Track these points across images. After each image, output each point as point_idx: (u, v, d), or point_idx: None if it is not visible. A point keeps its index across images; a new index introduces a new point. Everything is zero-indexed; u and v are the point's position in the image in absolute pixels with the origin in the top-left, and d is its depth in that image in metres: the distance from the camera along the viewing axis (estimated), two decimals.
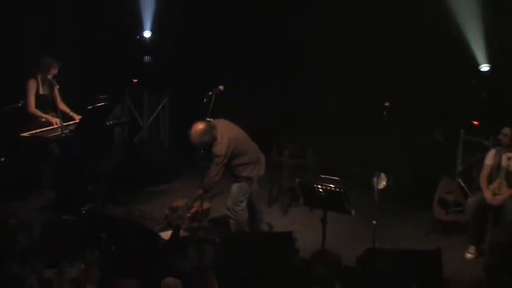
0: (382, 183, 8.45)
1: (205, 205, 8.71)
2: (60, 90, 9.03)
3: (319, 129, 10.65)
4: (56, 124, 8.91)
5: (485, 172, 8.38)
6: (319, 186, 7.38)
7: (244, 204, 8.30)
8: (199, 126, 7.98)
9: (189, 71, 11.10)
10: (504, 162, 8.25)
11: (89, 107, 8.71)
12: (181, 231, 8.33)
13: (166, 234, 8.27)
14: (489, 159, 8.39)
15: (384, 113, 7.98)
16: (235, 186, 8.29)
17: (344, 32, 10.19)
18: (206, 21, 11.07)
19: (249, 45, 10.99)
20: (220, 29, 10.98)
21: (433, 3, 9.17)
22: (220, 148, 8.05)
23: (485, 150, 8.68)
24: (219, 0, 11.07)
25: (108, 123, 9.19)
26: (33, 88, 8.99)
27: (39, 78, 9.04)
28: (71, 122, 9.07)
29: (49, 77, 8.98)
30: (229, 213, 8.28)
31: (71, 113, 9.20)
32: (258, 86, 10.77)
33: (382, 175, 8.44)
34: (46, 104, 9.08)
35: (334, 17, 10.21)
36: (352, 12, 10.12)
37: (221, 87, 8.16)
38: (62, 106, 9.14)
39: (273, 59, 10.81)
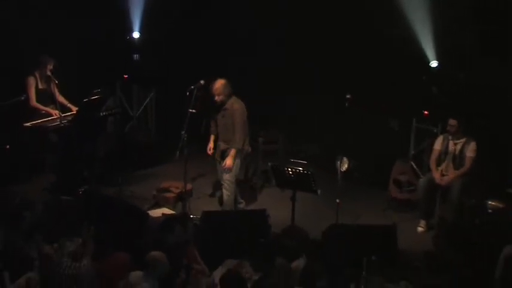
0: (345, 166, 8.48)
1: (188, 186, 8.66)
2: (58, 85, 8.94)
3: (289, 118, 10.65)
4: (56, 115, 8.83)
5: (434, 156, 8.44)
6: (289, 169, 7.40)
7: (237, 176, 8.34)
8: (222, 80, 8.11)
9: (174, 67, 11.00)
10: (451, 147, 8.32)
11: (85, 100, 8.64)
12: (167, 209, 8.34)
13: (154, 212, 8.24)
14: (438, 144, 8.45)
15: (346, 104, 8.00)
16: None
17: (312, 32, 10.19)
18: (192, 23, 10.99)
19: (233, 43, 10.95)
20: (206, 30, 10.92)
21: (394, 9, 9.18)
22: (237, 106, 8.11)
23: (434, 136, 8.77)
24: (204, 1, 11.00)
25: (102, 113, 9.13)
26: (33, 84, 8.89)
27: (37, 75, 8.94)
28: (69, 113, 8.99)
29: (48, 73, 8.89)
30: (225, 185, 8.26)
31: (69, 105, 9.12)
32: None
33: (345, 159, 8.48)
34: (45, 97, 8.98)
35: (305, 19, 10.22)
36: (316, 13, 10.10)
37: (202, 81, 8.12)
38: (60, 99, 9.04)
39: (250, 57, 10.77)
